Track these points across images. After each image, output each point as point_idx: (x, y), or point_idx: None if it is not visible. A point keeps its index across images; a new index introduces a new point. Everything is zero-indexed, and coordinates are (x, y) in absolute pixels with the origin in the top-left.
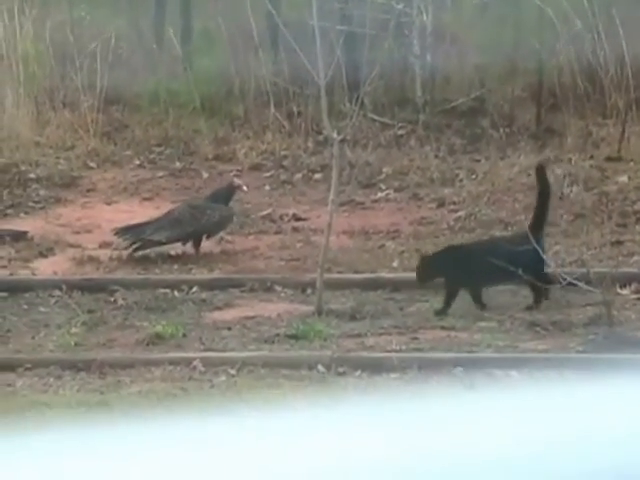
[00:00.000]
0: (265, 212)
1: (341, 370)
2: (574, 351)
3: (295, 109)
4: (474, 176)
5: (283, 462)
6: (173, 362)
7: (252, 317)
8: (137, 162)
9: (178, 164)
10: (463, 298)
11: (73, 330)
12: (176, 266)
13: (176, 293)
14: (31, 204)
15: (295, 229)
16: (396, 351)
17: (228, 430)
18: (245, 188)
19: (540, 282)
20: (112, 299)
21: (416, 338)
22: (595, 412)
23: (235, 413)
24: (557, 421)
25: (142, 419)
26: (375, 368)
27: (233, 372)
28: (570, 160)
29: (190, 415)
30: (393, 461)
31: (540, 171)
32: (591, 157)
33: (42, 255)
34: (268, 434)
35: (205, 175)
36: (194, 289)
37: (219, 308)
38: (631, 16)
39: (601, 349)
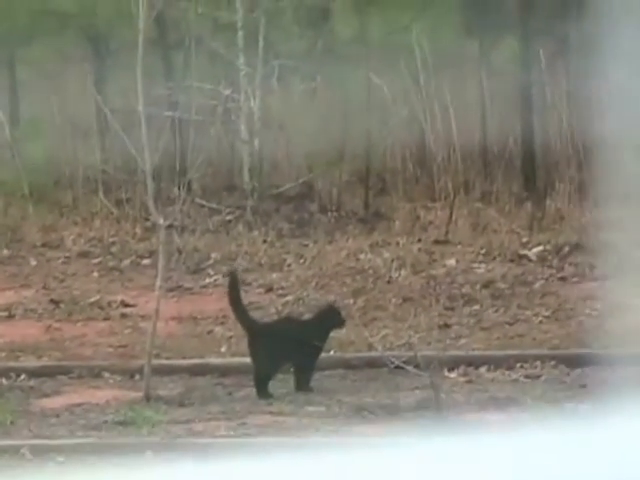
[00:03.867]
0: (93, 299)
1: (170, 456)
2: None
3: (124, 196)
4: (302, 260)
5: None
6: (0, 450)
7: (80, 404)
8: None
9: (6, 252)
10: (289, 383)
11: None
12: (3, 354)
13: (4, 380)
14: None
15: (123, 315)
16: (224, 436)
17: None
18: None
19: None
20: None
21: (244, 423)
22: None
23: None
24: None
25: None
26: (203, 453)
27: (61, 459)
28: (398, 243)
29: None
30: None
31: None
32: (419, 240)
33: None
34: None
35: (33, 262)
36: (22, 376)
37: (47, 395)
38: (459, 99)
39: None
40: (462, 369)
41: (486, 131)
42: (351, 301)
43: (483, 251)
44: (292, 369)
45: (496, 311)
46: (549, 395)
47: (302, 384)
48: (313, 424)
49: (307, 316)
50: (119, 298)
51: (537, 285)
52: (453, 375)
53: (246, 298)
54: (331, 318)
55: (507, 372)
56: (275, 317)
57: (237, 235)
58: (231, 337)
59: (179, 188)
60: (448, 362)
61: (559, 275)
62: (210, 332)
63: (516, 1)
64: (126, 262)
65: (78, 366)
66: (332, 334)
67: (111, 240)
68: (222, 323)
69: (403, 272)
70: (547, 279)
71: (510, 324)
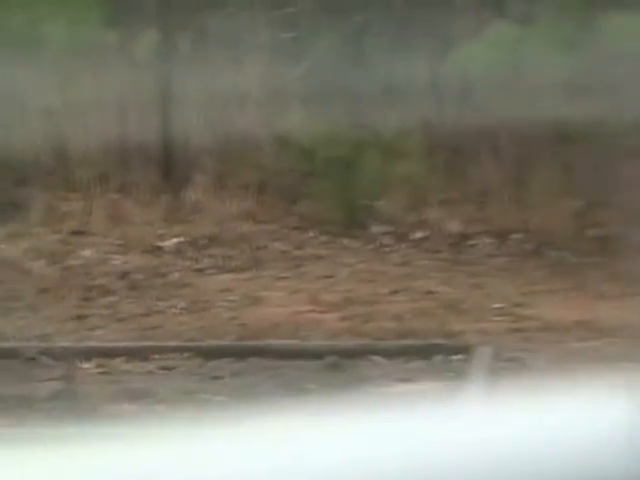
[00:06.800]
0: None
1: None
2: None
3: None
4: None
5: None
6: None
7: None
8: None
9: None
10: None
11: None
12: None
13: None
14: None
15: None
16: None
17: None
18: None
19: None
20: None
21: None
22: None
23: None
24: None
25: None
26: None
27: None
28: (35, 234)
29: None
30: None
31: None
32: (57, 231)
33: None
34: None
35: None
36: None
37: None
38: (99, 91)
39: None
40: (97, 360)
41: (126, 123)
42: None
43: (119, 242)
44: None
45: (132, 302)
46: (183, 386)
47: None
48: None
49: None
50: None
51: (173, 277)
52: (88, 366)
53: None
54: None
55: (142, 363)
56: None
57: None
58: None
59: None
60: (83, 353)
61: (195, 267)
62: None
63: None
64: None
65: None
66: None
67: None
68: None
69: (40, 263)
70: (183, 271)
71: (146, 315)
